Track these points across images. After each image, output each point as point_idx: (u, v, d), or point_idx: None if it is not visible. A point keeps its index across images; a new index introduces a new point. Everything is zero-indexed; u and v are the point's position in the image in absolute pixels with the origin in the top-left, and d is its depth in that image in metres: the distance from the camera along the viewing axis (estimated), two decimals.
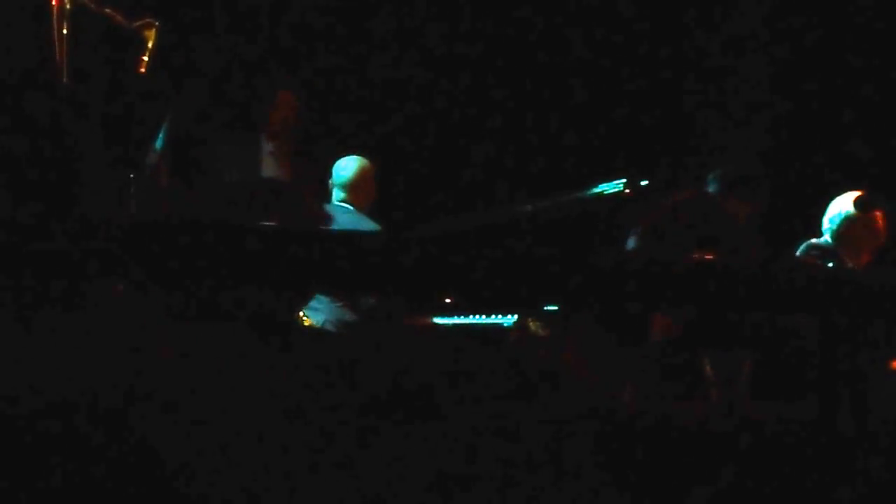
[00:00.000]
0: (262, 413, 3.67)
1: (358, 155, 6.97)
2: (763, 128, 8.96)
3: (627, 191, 6.08)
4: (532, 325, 6.06)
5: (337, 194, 6.87)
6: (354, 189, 6.84)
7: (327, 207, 6.78)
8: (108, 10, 5.75)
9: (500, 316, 6.30)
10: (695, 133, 9.02)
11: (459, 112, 8.86)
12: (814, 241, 6.70)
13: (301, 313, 6.33)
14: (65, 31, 5.57)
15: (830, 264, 6.36)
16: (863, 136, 8.69)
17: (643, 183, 6.08)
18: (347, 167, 6.89)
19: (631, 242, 6.01)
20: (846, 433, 4.24)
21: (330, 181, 6.90)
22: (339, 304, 6.53)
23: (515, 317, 6.20)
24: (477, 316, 6.40)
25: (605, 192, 6.12)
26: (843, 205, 6.67)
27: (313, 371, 3.93)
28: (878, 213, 6.63)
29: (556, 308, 5.82)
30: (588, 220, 6.33)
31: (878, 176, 8.06)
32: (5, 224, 3.40)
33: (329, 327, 6.47)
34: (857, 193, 6.68)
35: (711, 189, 6.39)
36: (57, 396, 3.51)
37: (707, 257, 5.67)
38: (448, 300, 6.39)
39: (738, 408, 5.46)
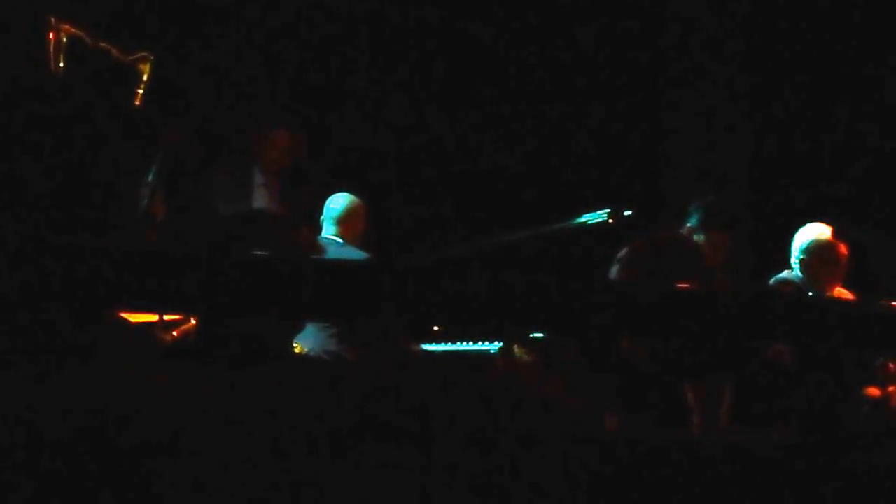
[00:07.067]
0: (251, 439, 3.69)
1: (348, 191, 7.26)
2: (740, 158, 9.06)
3: (611, 220, 6.15)
4: (517, 352, 6.11)
5: (327, 228, 7.17)
6: (344, 223, 7.16)
7: (318, 239, 7.01)
8: (103, 44, 5.76)
9: (485, 343, 6.43)
10: (671, 163, 9.11)
11: (441, 143, 8.95)
12: (784, 274, 6.76)
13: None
14: (61, 65, 5.63)
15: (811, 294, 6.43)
16: (835, 169, 8.78)
17: (627, 213, 6.16)
18: (338, 203, 7.19)
19: (614, 272, 6.08)
20: (820, 456, 4.29)
21: (321, 217, 7.16)
22: (326, 333, 6.67)
23: (501, 344, 6.31)
24: (463, 343, 6.52)
25: (589, 222, 6.20)
26: (809, 236, 6.73)
27: (302, 396, 3.96)
28: (843, 245, 6.69)
29: (541, 335, 5.88)
30: (572, 249, 6.42)
31: (846, 206, 8.17)
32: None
33: (316, 355, 6.58)
34: (821, 225, 6.74)
35: (692, 221, 6.46)
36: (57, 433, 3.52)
37: (687, 287, 5.73)
38: (434, 327, 6.46)
39: (719, 433, 5.52)
